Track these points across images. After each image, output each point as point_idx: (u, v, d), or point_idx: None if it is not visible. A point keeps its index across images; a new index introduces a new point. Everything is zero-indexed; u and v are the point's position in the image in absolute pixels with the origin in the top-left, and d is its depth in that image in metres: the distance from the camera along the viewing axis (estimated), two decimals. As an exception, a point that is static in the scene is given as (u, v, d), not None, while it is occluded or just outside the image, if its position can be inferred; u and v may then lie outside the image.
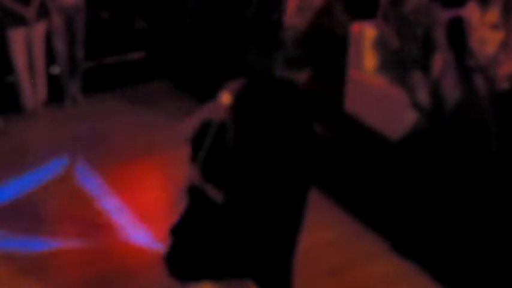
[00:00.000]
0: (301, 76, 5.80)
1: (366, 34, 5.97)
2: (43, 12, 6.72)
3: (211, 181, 3.58)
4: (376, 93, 5.92)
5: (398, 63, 5.88)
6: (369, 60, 6.06)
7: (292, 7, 4.54)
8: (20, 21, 6.60)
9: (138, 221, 5.41)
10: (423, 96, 5.59)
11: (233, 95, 3.49)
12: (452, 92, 5.52)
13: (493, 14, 5.53)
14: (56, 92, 7.15)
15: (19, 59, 6.77)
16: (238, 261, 3.70)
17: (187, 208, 3.82)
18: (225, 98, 3.50)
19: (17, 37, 6.67)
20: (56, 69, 7.14)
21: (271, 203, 3.51)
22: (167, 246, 3.86)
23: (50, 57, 7.01)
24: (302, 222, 3.66)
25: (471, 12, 5.56)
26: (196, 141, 3.63)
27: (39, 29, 6.76)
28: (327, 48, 5.98)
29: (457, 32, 5.70)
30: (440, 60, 5.62)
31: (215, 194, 3.55)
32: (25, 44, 6.75)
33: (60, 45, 6.99)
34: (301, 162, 3.52)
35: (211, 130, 3.52)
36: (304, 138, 3.54)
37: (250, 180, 3.47)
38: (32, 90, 6.95)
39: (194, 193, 3.73)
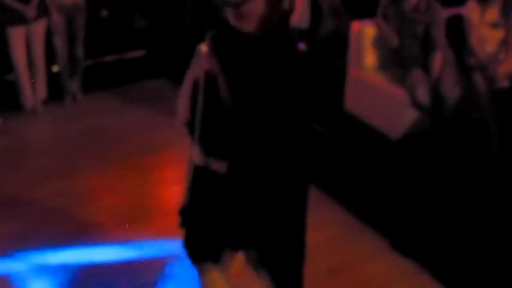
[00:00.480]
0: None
1: (365, 32, 5.97)
2: (43, 11, 6.65)
3: (212, 153, 3.55)
4: (376, 92, 5.93)
5: (398, 62, 5.89)
6: (369, 58, 6.06)
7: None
8: (20, 19, 6.54)
9: (139, 218, 5.40)
10: (423, 95, 5.59)
11: (211, 42, 3.42)
12: (452, 90, 5.54)
13: (493, 13, 5.53)
14: (56, 90, 7.09)
15: (19, 57, 6.72)
16: (249, 232, 3.68)
17: (192, 191, 3.80)
18: (204, 47, 3.42)
19: (16, 35, 6.60)
20: (56, 68, 7.13)
21: (276, 152, 3.46)
22: (182, 233, 3.87)
23: (50, 55, 6.99)
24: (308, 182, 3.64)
25: (471, 11, 5.55)
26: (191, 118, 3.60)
27: (39, 28, 6.70)
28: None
29: (457, 31, 5.71)
30: (440, 59, 5.64)
31: (218, 166, 3.51)
32: (25, 43, 6.72)
33: (59, 44, 6.92)
34: (297, 98, 3.45)
35: (199, 97, 3.47)
36: (294, 73, 3.44)
37: (251, 127, 3.41)
38: (32, 89, 6.92)
39: (197, 176, 3.71)
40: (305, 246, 3.77)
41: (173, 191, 5.33)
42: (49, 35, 6.84)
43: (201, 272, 3.95)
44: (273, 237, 3.68)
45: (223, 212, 3.68)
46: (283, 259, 3.77)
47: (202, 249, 3.85)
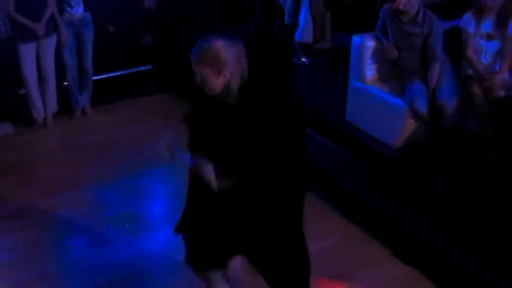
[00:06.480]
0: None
1: (366, 45, 5.91)
2: (52, 27, 6.67)
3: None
4: (376, 102, 5.87)
5: (397, 73, 5.84)
6: (369, 70, 6.00)
7: None
8: (30, 35, 6.54)
9: (146, 227, 5.39)
10: (422, 105, 5.52)
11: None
12: (450, 100, 5.45)
13: (489, 25, 5.47)
14: (66, 104, 7.14)
15: (29, 72, 6.71)
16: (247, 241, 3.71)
17: (189, 203, 3.83)
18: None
19: (27, 51, 6.62)
20: (66, 82, 7.14)
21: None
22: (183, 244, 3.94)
23: (60, 70, 6.99)
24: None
25: (467, 23, 5.51)
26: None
27: (48, 43, 6.71)
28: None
29: (454, 42, 5.65)
30: (438, 70, 5.56)
31: (213, 180, 3.50)
32: (35, 58, 6.71)
33: (69, 59, 6.93)
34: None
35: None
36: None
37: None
38: (42, 102, 6.94)
39: (194, 188, 3.73)
40: (307, 255, 3.82)
41: (179, 201, 5.32)
42: (59, 50, 6.87)
43: (207, 284, 3.98)
44: (270, 244, 3.69)
45: (222, 224, 3.68)
46: (285, 266, 3.77)
47: (206, 259, 3.85)
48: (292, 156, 3.52)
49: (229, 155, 3.48)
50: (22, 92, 6.90)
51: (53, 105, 6.98)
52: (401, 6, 5.53)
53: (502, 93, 5.43)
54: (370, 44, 5.90)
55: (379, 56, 5.93)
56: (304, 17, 7.21)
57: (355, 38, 5.99)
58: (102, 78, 7.55)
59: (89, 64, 7.07)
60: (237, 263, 4.03)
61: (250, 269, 3.93)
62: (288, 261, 3.75)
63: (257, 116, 3.43)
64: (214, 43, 3.41)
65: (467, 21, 5.50)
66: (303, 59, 7.29)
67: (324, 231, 5.07)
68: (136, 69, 7.85)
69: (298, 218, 3.73)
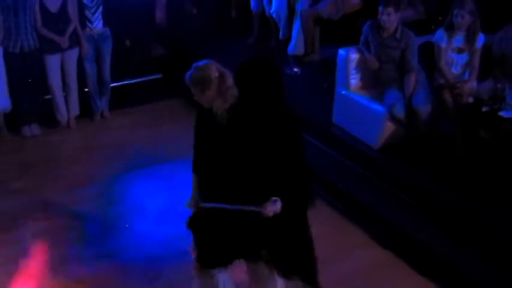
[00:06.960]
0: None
1: (350, 57, 6.06)
2: (75, 41, 6.86)
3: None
4: (359, 108, 6.04)
5: (378, 82, 5.99)
6: (353, 79, 6.15)
7: None
8: (55, 48, 6.75)
9: (155, 222, 5.50)
10: (400, 110, 5.70)
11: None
12: (424, 106, 5.61)
13: (459, 40, 5.65)
14: (87, 108, 7.28)
15: (55, 80, 6.89)
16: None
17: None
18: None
19: (53, 62, 6.81)
20: (87, 88, 7.28)
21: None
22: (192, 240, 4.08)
23: (82, 78, 7.13)
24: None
25: (440, 38, 5.67)
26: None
27: (72, 55, 6.90)
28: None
29: (428, 55, 5.81)
30: (414, 79, 5.71)
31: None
32: (59, 68, 6.89)
33: (89, 68, 7.10)
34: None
35: None
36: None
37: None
38: (66, 107, 7.10)
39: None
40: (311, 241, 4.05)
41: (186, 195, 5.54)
42: (80, 61, 7.04)
43: (209, 275, 4.06)
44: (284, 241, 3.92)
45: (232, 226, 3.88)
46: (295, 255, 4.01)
47: (214, 258, 3.99)
48: (293, 166, 3.70)
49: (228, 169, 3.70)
50: (48, 97, 7.01)
51: (75, 109, 7.15)
52: (381, 23, 5.69)
53: (470, 100, 5.59)
54: (354, 56, 6.03)
55: (362, 66, 6.04)
56: (296, 33, 7.37)
57: (341, 51, 6.11)
58: (120, 85, 7.62)
59: (107, 73, 7.20)
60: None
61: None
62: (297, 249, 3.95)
63: (246, 137, 3.61)
64: (203, 67, 3.73)
65: (440, 36, 5.62)
66: (295, 70, 7.39)
67: (313, 219, 4.77)
68: (149, 78, 7.89)
69: (304, 217, 3.95)
